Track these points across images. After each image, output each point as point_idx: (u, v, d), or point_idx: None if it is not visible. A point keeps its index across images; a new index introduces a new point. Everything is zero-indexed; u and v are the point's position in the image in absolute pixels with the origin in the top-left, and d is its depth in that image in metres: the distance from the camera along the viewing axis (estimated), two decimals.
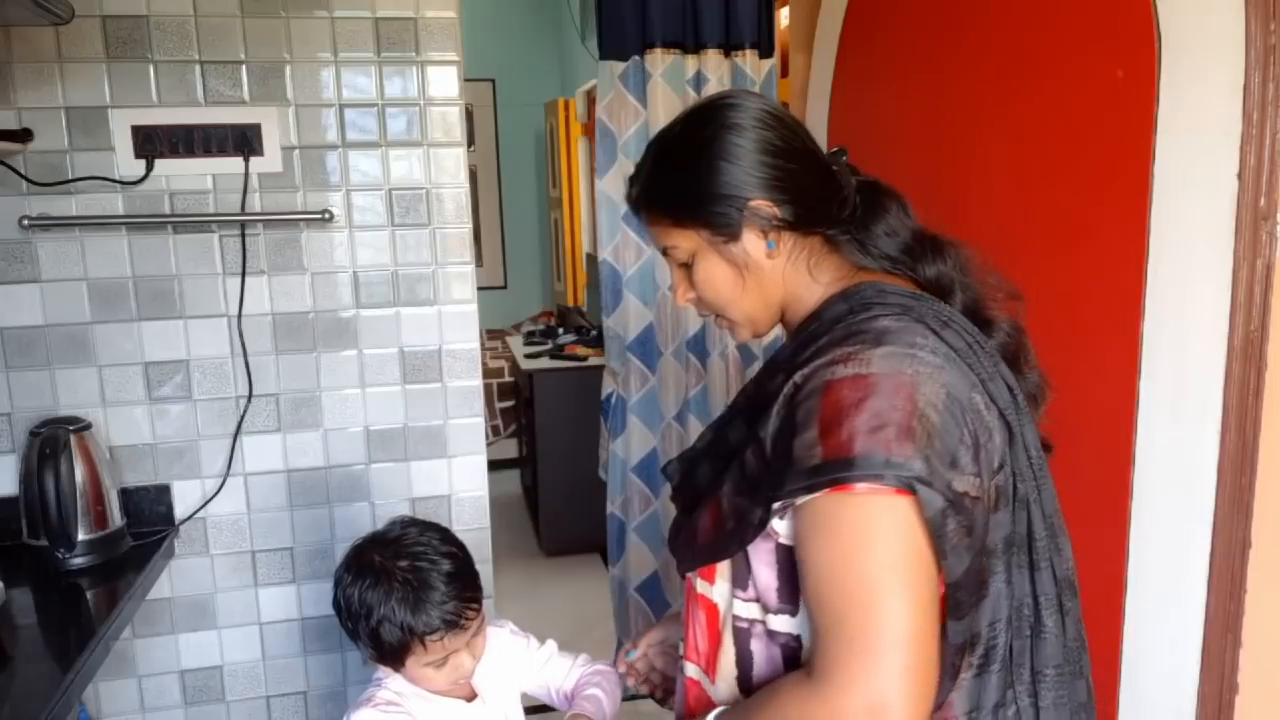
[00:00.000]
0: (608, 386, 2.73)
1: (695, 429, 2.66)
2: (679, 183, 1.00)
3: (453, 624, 1.30)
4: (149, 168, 1.81)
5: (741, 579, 0.97)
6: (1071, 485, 1.42)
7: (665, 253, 1.05)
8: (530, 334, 4.65)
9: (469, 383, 2.02)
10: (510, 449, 4.91)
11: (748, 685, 0.98)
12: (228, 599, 1.98)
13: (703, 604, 1.02)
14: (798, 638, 0.94)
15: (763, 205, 0.97)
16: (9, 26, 1.71)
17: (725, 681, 1.01)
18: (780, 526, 0.92)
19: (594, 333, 4.33)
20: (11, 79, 1.74)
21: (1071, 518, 1.25)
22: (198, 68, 1.81)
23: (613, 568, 2.84)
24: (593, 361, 3.93)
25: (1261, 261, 1.15)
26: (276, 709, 2.04)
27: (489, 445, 2.33)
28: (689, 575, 1.05)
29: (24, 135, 1.75)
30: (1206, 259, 1.21)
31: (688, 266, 1.03)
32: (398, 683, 1.37)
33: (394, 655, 1.32)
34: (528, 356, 4.16)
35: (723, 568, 0.99)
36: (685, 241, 1.01)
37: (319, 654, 2.04)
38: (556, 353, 4.18)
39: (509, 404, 4.95)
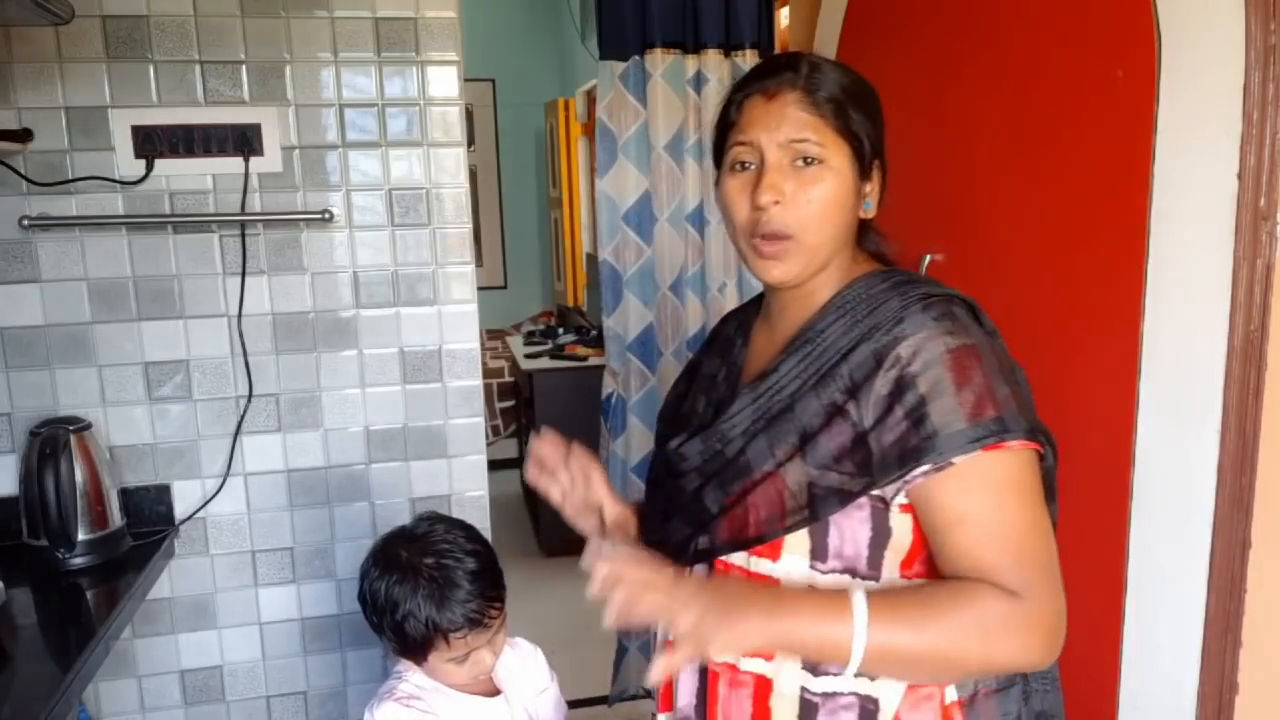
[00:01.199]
0: (608, 386, 2.73)
1: None
2: (864, 100, 1.03)
3: (476, 622, 1.31)
4: (149, 168, 1.81)
5: (822, 551, 0.98)
6: (1072, 485, 1.42)
7: (793, 144, 0.99)
8: (530, 334, 4.65)
9: (469, 383, 2.02)
10: (510, 449, 4.91)
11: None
12: (228, 599, 1.98)
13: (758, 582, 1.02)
14: None
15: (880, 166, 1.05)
16: (9, 26, 1.71)
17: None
18: (892, 491, 0.96)
19: (594, 333, 4.33)
20: (11, 79, 1.74)
21: (1072, 518, 1.25)
22: (198, 68, 1.81)
23: None
24: (593, 361, 3.93)
25: (1261, 261, 1.16)
26: (276, 709, 2.04)
27: (489, 445, 2.33)
28: (725, 559, 1.03)
29: (24, 135, 1.75)
30: (1206, 259, 1.21)
31: (810, 166, 0.99)
32: (418, 677, 1.38)
33: (417, 649, 1.34)
34: (528, 356, 4.15)
35: (795, 542, 0.98)
36: (831, 149, 1.00)
37: (319, 654, 2.04)
38: (556, 353, 4.17)
39: (509, 404, 4.95)
